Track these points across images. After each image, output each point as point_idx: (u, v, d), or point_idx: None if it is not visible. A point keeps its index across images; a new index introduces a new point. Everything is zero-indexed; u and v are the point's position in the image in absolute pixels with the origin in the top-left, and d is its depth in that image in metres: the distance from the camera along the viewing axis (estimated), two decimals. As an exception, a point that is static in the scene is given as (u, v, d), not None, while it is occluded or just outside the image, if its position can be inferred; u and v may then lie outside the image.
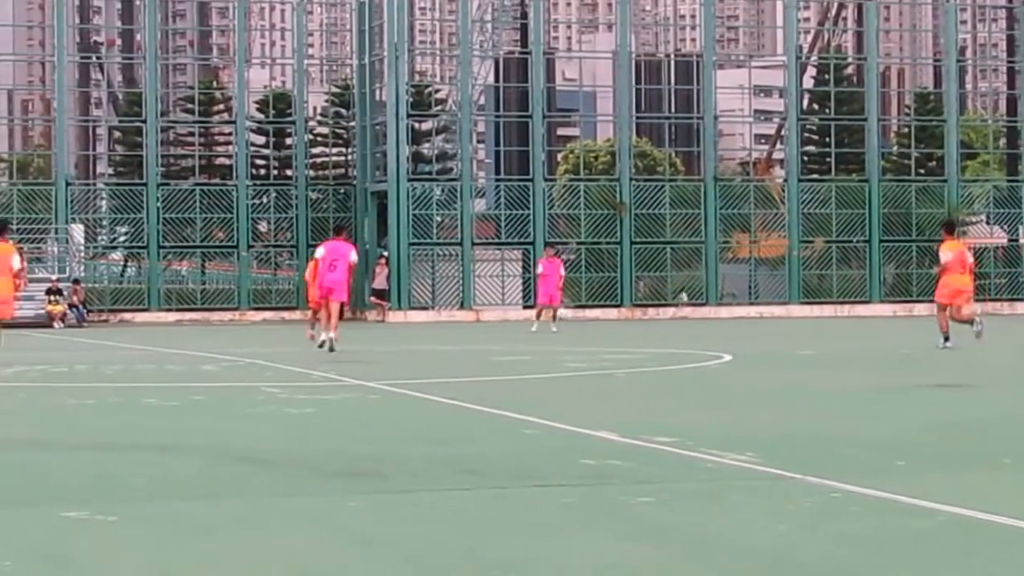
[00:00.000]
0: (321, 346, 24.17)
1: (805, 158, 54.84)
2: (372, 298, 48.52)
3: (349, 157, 53.91)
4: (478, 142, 57.20)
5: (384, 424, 11.98)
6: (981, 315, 26.60)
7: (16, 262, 21.67)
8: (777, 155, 61.37)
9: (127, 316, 48.55)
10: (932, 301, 51.30)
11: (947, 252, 24.96)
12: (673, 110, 54.56)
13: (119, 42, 64.29)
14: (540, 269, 37.41)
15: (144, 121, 50.42)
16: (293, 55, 54.03)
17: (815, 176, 54.14)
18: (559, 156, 61.09)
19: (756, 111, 61.59)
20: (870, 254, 52.15)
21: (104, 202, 52.10)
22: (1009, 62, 58.27)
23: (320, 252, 25.90)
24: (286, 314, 49.70)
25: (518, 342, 28.92)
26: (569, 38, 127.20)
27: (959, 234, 28.02)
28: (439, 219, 49.79)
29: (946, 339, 24.15)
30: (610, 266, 50.55)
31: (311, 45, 67.95)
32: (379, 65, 50.65)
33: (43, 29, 66.63)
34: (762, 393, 15.27)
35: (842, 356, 23.07)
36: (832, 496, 7.67)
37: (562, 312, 49.40)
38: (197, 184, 51.44)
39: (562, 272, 37.60)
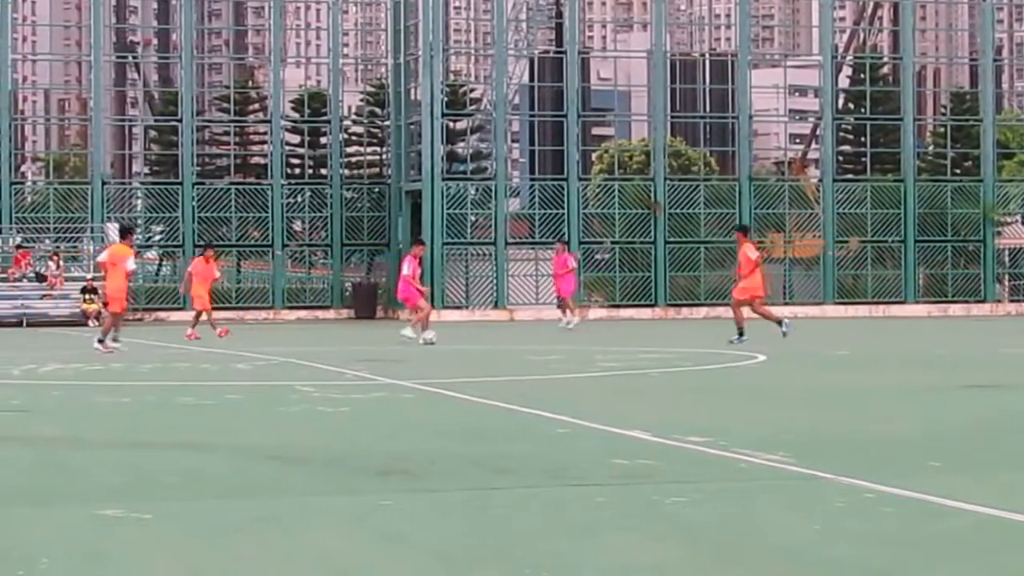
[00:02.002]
0: (429, 343, 26.53)
1: (840, 158, 54.63)
2: (406, 297, 48.56)
3: (384, 156, 53.97)
4: (512, 141, 57.20)
5: (417, 423, 12.01)
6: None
7: (131, 264, 24.90)
8: (812, 155, 61.15)
9: (162, 315, 48.73)
10: (967, 302, 51.10)
11: (753, 251, 26.34)
12: (708, 109, 54.46)
13: (155, 42, 64.59)
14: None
15: (180, 120, 50.60)
16: (328, 54, 54.12)
17: (850, 176, 53.93)
18: (594, 155, 61.02)
19: (791, 111, 61.39)
20: (905, 254, 51.93)
21: (140, 201, 52.29)
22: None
23: None
24: (320, 313, 49.82)
25: (552, 341, 28.92)
26: (604, 37, 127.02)
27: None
28: (473, 218, 49.81)
29: (741, 334, 25.53)
30: (644, 265, 50.48)
31: (346, 44, 68.06)
32: (414, 64, 50.70)
33: (80, 29, 66.88)
34: (796, 393, 15.24)
35: (877, 356, 22.99)
36: (865, 496, 7.66)
37: (598, 313, 49.41)
38: (232, 183, 51.58)
39: (571, 265, 37.86)
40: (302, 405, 13.79)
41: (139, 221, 51.72)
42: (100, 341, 24.45)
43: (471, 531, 6.79)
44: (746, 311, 26.50)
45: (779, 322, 26.61)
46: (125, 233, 26.22)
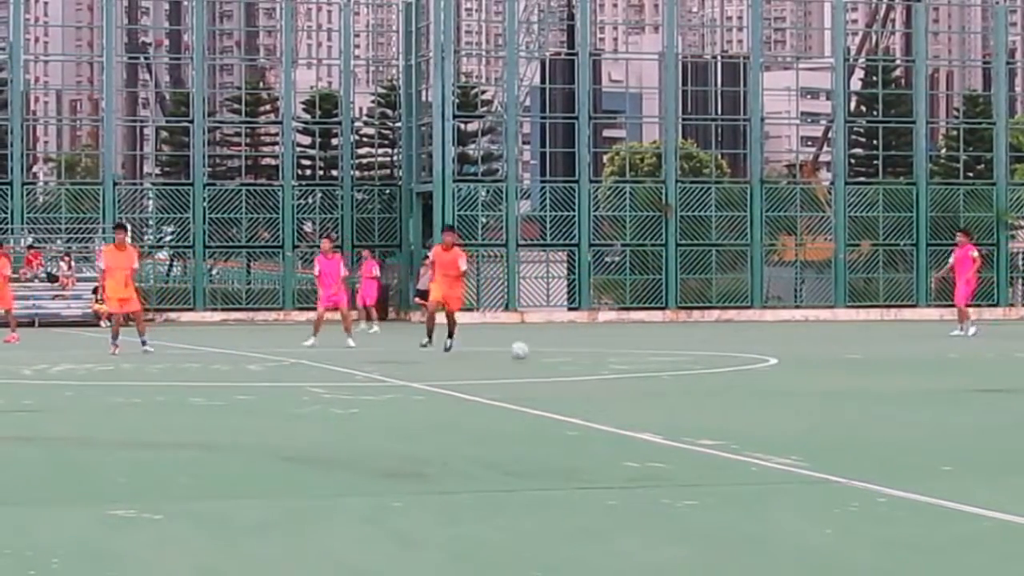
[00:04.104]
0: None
1: (852, 161, 54.56)
2: (417, 299, 48.59)
3: (395, 158, 54.00)
4: (524, 143, 57.19)
5: (428, 425, 12.00)
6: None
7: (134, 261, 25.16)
8: (824, 157, 61.10)
9: (172, 315, 48.80)
10: (980, 305, 51.01)
11: (464, 262, 25.48)
12: (719, 112, 54.43)
13: (167, 42, 64.73)
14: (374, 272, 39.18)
15: (191, 121, 50.65)
16: (340, 56, 54.16)
17: (862, 179, 53.87)
18: (605, 157, 60.98)
19: (803, 113, 61.29)
20: (917, 257, 51.86)
21: (151, 202, 52.37)
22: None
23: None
24: (331, 314, 49.80)
25: (562, 344, 28.91)
26: (615, 39, 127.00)
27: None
28: (484, 220, 49.81)
29: (431, 338, 24.97)
30: (655, 268, 50.44)
31: (358, 46, 68.11)
32: (425, 66, 50.72)
33: (91, 30, 67.02)
34: (808, 396, 15.21)
35: (889, 360, 22.95)
36: (878, 501, 7.64)
37: (609, 315, 49.43)
38: (243, 184, 51.63)
39: (374, 272, 39.04)
40: (313, 406, 13.79)
41: (150, 222, 51.79)
42: (143, 343, 24.45)
43: (482, 533, 6.78)
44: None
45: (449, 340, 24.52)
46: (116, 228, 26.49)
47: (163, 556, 6.24)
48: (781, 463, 9.08)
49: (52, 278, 46.28)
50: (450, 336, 24.24)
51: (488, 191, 50.21)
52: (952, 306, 51.27)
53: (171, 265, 53.73)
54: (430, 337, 24.44)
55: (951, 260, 33.19)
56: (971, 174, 54.16)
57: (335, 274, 28.77)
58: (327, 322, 28.88)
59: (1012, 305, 52.55)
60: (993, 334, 30.89)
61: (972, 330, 30.85)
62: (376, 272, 39.50)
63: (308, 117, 53.75)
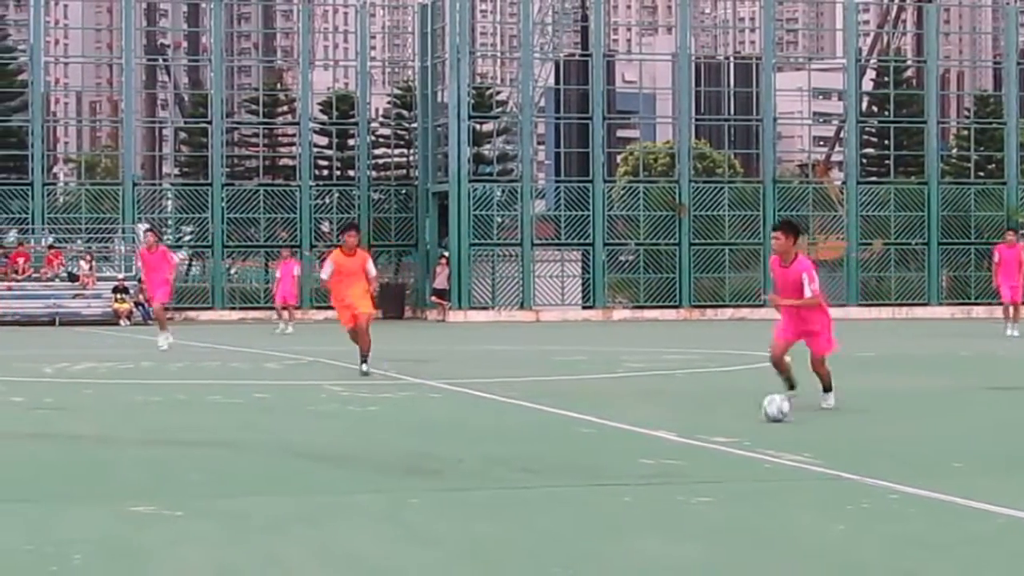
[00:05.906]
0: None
1: (864, 160, 54.45)
2: (433, 297, 48.68)
3: (411, 158, 54.02)
4: (538, 143, 57.16)
5: (444, 423, 12.08)
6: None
7: None
8: (836, 157, 61.01)
9: (191, 314, 48.87)
10: (990, 304, 50.83)
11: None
12: (732, 112, 54.37)
13: (185, 44, 64.78)
14: (279, 274, 38.38)
15: (209, 122, 50.73)
16: (356, 57, 54.17)
17: (874, 179, 53.80)
18: (619, 158, 60.89)
19: (815, 113, 61.15)
20: (929, 256, 51.80)
21: (170, 202, 52.43)
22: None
23: None
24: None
25: (577, 342, 28.95)
26: (629, 40, 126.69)
27: None
28: (499, 220, 49.84)
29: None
30: (669, 267, 50.44)
31: (374, 47, 68.09)
32: (441, 67, 50.75)
33: (111, 32, 67.08)
34: (820, 394, 15.25)
35: (900, 358, 22.97)
36: (890, 497, 7.71)
37: (623, 314, 49.47)
38: (261, 184, 51.70)
39: (296, 272, 38.47)
40: (331, 404, 13.88)
41: (169, 222, 51.91)
42: None
43: (498, 530, 6.86)
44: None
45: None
46: None
47: (182, 552, 6.33)
48: (794, 460, 9.15)
49: (73, 277, 46.46)
50: (364, 360, 19.21)
51: (503, 191, 50.25)
52: (963, 304, 51.36)
53: (190, 264, 53.82)
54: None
55: (996, 258, 32.96)
56: (982, 173, 54.07)
57: (159, 268, 26.02)
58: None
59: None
60: (1004, 332, 30.82)
61: (1010, 331, 30.48)
62: (296, 271, 39.10)
63: (325, 118, 53.78)
